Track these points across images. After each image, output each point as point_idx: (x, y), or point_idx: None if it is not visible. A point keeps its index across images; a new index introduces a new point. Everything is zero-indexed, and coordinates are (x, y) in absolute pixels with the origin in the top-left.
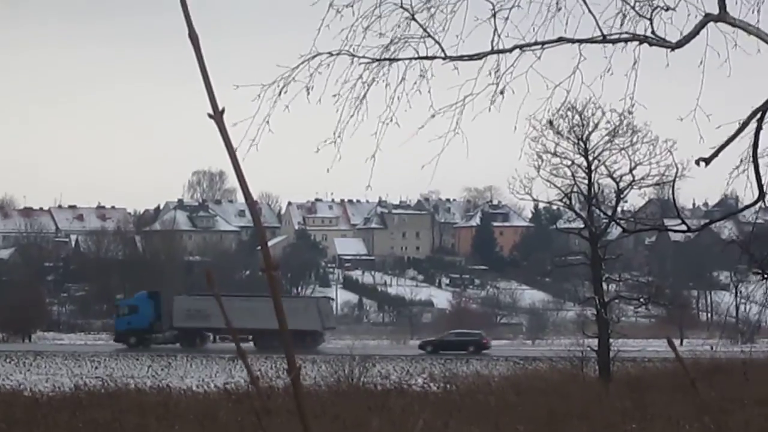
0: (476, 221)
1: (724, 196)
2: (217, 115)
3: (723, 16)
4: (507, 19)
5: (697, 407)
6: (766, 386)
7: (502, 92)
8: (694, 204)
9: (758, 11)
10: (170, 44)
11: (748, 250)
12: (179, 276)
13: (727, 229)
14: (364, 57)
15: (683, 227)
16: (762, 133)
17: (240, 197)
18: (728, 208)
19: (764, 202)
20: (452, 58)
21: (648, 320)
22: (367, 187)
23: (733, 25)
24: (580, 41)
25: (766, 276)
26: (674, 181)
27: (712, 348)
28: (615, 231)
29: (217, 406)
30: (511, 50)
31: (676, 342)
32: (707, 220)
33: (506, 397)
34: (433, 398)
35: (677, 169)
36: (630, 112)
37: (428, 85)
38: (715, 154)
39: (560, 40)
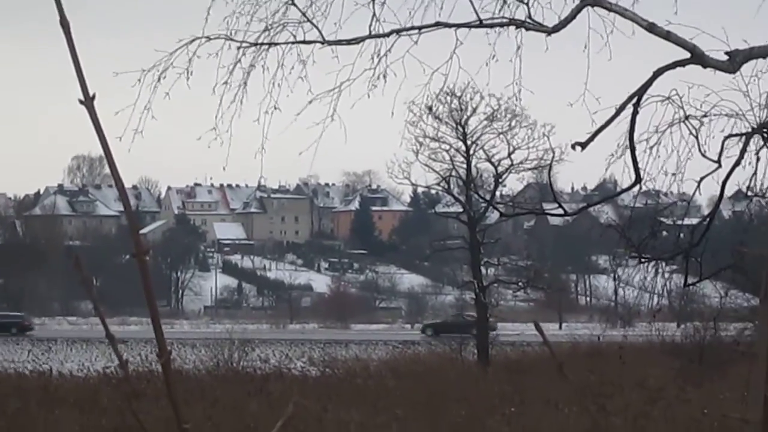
0: (355, 206)
1: (603, 180)
2: (88, 101)
3: (599, 1)
4: (384, 3)
5: (576, 391)
6: (644, 369)
7: (379, 77)
8: (573, 188)
9: None
10: (53, 27)
11: (626, 234)
12: (59, 260)
13: (605, 214)
14: (242, 41)
15: (560, 211)
16: (638, 117)
17: None
18: (607, 192)
19: (641, 186)
20: (330, 43)
21: (527, 304)
22: (260, 179)
23: (610, 10)
24: (458, 26)
25: (643, 260)
26: (550, 165)
27: (600, 335)
28: (494, 215)
29: (97, 389)
30: (388, 35)
31: (555, 326)
32: (584, 204)
33: (385, 380)
34: (312, 382)
35: (553, 153)
36: (515, 96)
37: (305, 70)
38: (591, 139)
39: (437, 24)
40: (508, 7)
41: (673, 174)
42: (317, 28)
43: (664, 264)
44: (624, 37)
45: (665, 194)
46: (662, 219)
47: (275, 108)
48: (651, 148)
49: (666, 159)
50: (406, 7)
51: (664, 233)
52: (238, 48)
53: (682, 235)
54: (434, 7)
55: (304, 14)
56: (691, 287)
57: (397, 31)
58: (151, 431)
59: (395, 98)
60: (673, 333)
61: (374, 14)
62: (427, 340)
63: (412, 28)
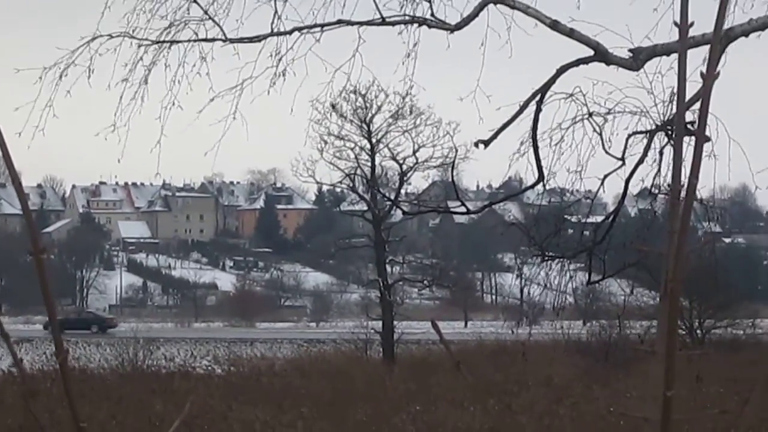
0: (260, 204)
1: (508, 178)
2: None
3: None
4: (287, 1)
5: (482, 389)
6: (550, 368)
7: (281, 75)
8: (478, 186)
9: None
10: None
11: (529, 232)
12: None
13: (510, 212)
14: (144, 39)
15: (463, 209)
16: (541, 115)
17: (26, 181)
18: (511, 190)
19: (545, 183)
20: (232, 41)
21: (432, 302)
22: (156, 175)
23: (513, 7)
24: (360, 23)
25: (547, 258)
26: (454, 163)
27: (513, 331)
28: (399, 213)
29: (2, 389)
30: (290, 32)
31: (461, 324)
32: (488, 202)
33: (290, 379)
34: (218, 380)
35: (457, 151)
36: (409, 94)
37: (207, 68)
38: (494, 136)
39: (339, 22)
40: (411, 4)
41: (577, 171)
42: (219, 25)
43: (568, 262)
44: (529, 34)
45: (570, 192)
46: (567, 217)
47: (174, 104)
48: (554, 145)
49: (569, 156)
50: (308, 5)
51: (569, 231)
52: (140, 46)
53: (586, 232)
54: (337, 5)
55: (205, 12)
56: (596, 285)
57: (299, 29)
58: (51, 430)
59: (297, 96)
60: (578, 331)
61: (276, 12)
62: (332, 339)
63: (315, 26)
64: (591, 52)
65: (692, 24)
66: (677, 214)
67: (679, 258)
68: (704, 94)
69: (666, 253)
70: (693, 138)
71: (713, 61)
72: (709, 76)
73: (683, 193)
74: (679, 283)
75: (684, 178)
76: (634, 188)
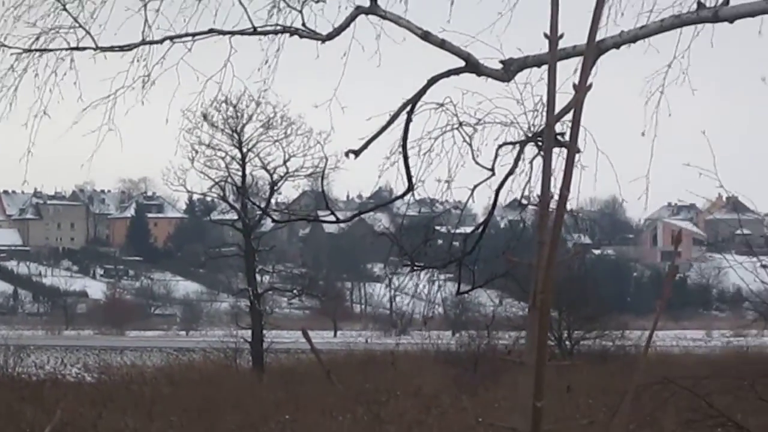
0: (131, 212)
1: (379, 188)
2: None
3: (374, 9)
4: (158, 10)
5: (351, 398)
6: (419, 377)
7: (152, 84)
8: (348, 196)
9: (407, 2)
10: None
11: (398, 242)
12: None
13: (380, 221)
14: (14, 47)
15: (333, 218)
16: (412, 125)
17: None
18: (382, 200)
19: (414, 193)
20: (103, 49)
21: (302, 312)
22: (24, 183)
23: (384, 17)
24: (231, 33)
25: (416, 268)
26: (323, 172)
27: (366, 340)
28: (269, 223)
29: None
30: (161, 41)
31: (330, 333)
32: (357, 212)
33: (160, 387)
34: (88, 388)
35: (326, 161)
36: (262, 100)
37: (77, 77)
38: (365, 146)
39: (211, 31)
40: (282, 13)
41: (446, 181)
42: (90, 34)
43: (437, 272)
44: (402, 44)
45: (440, 202)
46: (436, 227)
47: (44, 113)
48: (424, 155)
49: (439, 166)
50: (179, 13)
51: (439, 241)
52: (11, 54)
53: (456, 243)
54: (208, 14)
55: (75, 19)
56: (465, 296)
57: (171, 38)
58: None
59: (170, 105)
60: (448, 341)
61: (146, 21)
62: (202, 347)
63: (186, 35)
64: (462, 63)
65: (562, 36)
66: (547, 225)
67: (548, 269)
68: (576, 106)
69: (535, 264)
70: (563, 149)
71: (585, 72)
72: (582, 88)
73: (553, 204)
74: (549, 295)
75: (554, 189)
76: (504, 199)
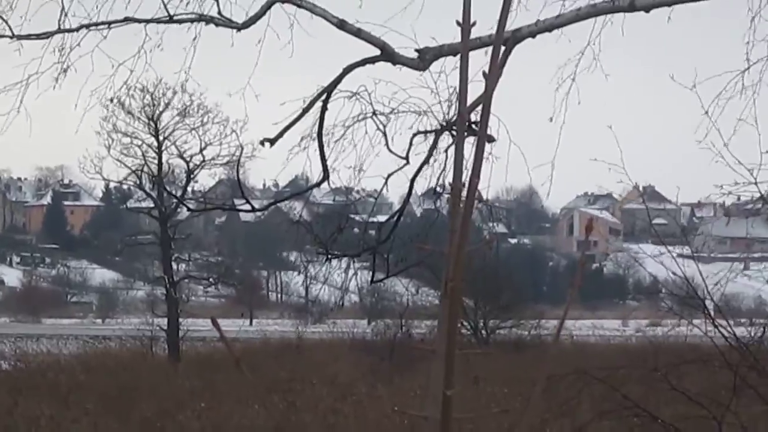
0: (47, 200)
1: (295, 176)
2: None
3: None
4: None
5: (266, 387)
6: (334, 366)
7: (65, 71)
8: (264, 184)
9: None
10: None
11: (313, 231)
12: None
13: (296, 210)
14: None
15: (248, 207)
16: (327, 114)
17: None
18: (298, 188)
19: (329, 182)
20: (20, 38)
21: (218, 300)
22: None
23: (300, 6)
24: (147, 21)
25: (331, 256)
26: (239, 161)
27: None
28: (185, 211)
29: None
30: (78, 29)
31: (246, 322)
32: (272, 200)
33: (76, 375)
34: (3, 376)
35: (242, 149)
36: (183, 89)
37: None
38: (281, 135)
39: (127, 20)
40: (199, 2)
41: (361, 170)
42: (6, 21)
43: (353, 260)
44: (317, 32)
45: (356, 191)
46: (352, 215)
47: None
48: (339, 143)
49: (354, 154)
50: (96, 1)
51: (355, 230)
52: None
53: (371, 231)
54: (123, 2)
55: None
56: (381, 284)
57: (87, 26)
58: None
59: (84, 93)
60: (364, 330)
61: (63, 9)
62: (118, 335)
63: (102, 23)
64: (378, 52)
65: (474, 24)
66: (458, 213)
67: (459, 257)
68: (486, 94)
69: (447, 252)
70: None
71: (495, 61)
72: (492, 77)
73: (464, 193)
74: (459, 283)
75: (467, 178)
76: (420, 188)
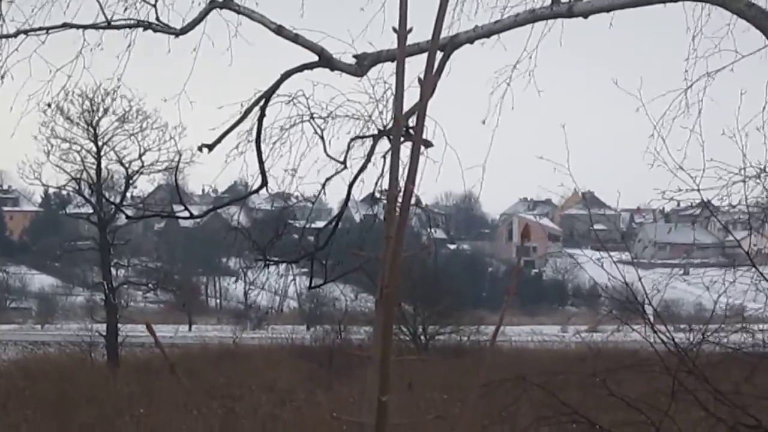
0: None
1: (234, 182)
2: None
3: (228, 3)
4: (11, 2)
5: (205, 392)
6: (274, 372)
7: (2, 76)
8: (203, 190)
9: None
10: None
11: (250, 236)
12: None
13: (234, 216)
14: None
15: (186, 214)
16: (265, 119)
17: None
18: (237, 194)
19: (268, 187)
20: None
21: (157, 306)
22: None
23: (238, 12)
24: (85, 27)
25: (269, 262)
26: (177, 167)
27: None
28: (124, 217)
29: None
30: (15, 35)
31: (185, 328)
32: (211, 207)
33: (15, 381)
34: None
35: (180, 155)
36: (116, 92)
37: None
38: (219, 140)
39: (65, 25)
40: (136, 8)
41: (295, 173)
42: None
43: (291, 266)
44: (256, 38)
45: (295, 196)
46: (292, 221)
47: None
48: (277, 148)
49: (293, 160)
50: (34, 6)
51: (293, 235)
52: None
53: (310, 237)
54: (61, 7)
55: None
56: (320, 290)
57: (25, 32)
58: None
59: (22, 98)
60: (303, 336)
61: (0, 14)
62: (57, 341)
63: (40, 29)
64: (316, 58)
65: (411, 30)
66: (394, 219)
67: (394, 264)
68: (422, 100)
69: (383, 258)
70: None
71: (430, 66)
72: (427, 83)
73: (400, 199)
74: (395, 289)
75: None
76: (359, 193)
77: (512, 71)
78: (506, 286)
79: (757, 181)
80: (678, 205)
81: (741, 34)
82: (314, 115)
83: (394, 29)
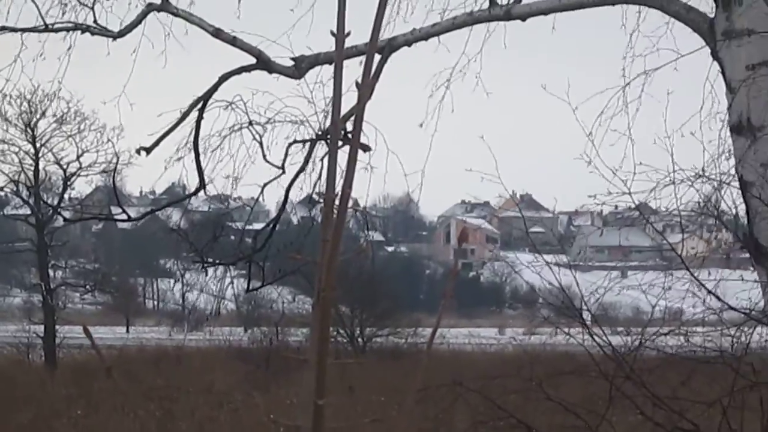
0: None
1: (172, 184)
2: None
3: (165, 6)
4: None
5: (143, 394)
6: (211, 374)
7: None
8: (141, 192)
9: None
10: None
11: (188, 238)
12: None
13: (172, 218)
14: None
15: (124, 216)
16: (204, 122)
17: None
18: (175, 196)
19: (206, 190)
20: None
21: (95, 307)
22: None
23: (176, 15)
24: (23, 30)
25: (206, 264)
26: (115, 169)
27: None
28: (62, 219)
29: None
30: None
31: (123, 329)
32: (150, 209)
33: None
34: None
35: (118, 157)
36: (56, 95)
37: None
38: (157, 143)
39: (3, 28)
40: (73, 10)
41: (236, 179)
42: None
43: (229, 268)
44: (195, 41)
45: (234, 199)
46: (230, 224)
47: None
48: (215, 152)
49: (230, 163)
50: None
51: (232, 238)
52: None
53: (249, 240)
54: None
55: None
56: (257, 292)
57: None
58: None
59: None
60: (240, 337)
61: None
62: None
63: None
64: (254, 61)
65: (349, 34)
66: (330, 222)
67: (330, 267)
68: (359, 104)
69: (319, 261)
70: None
71: (368, 70)
72: (365, 86)
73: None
74: (331, 292)
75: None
76: (296, 196)
77: (451, 74)
78: (442, 289)
79: (691, 184)
80: (616, 208)
81: (680, 32)
82: (253, 122)
83: (332, 33)
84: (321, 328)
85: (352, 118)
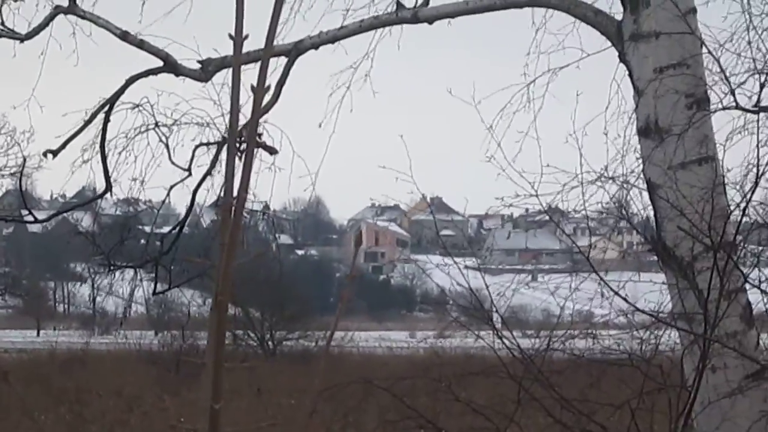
0: None
1: (82, 187)
2: None
3: (72, 8)
4: None
5: (53, 398)
6: (121, 377)
7: None
8: (52, 195)
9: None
10: None
11: (95, 241)
12: None
13: (81, 221)
14: None
15: (31, 218)
16: (110, 125)
17: None
18: (84, 199)
19: (113, 193)
20: None
21: (5, 311)
22: None
23: (83, 17)
24: None
25: (113, 267)
26: (22, 172)
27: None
28: None
29: None
30: None
31: (33, 333)
32: (56, 211)
33: None
34: None
35: (25, 160)
36: None
37: None
38: (63, 146)
39: None
40: None
41: (144, 181)
42: None
43: (137, 271)
44: (102, 43)
45: (144, 202)
46: (139, 227)
47: None
48: (122, 154)
49: (137, 166)
50: None
51: (141, 241)
52: None
53: (157, 242)
54: None
55: None
56: (167, 295)
57: None
58: None
59: None
60: (150, 341)
61: None
62: None
63: None
64: (161, 63)
65: (247, 37)
66: (228, 226)
67: (227, 271)
68: (254, 108)
69: (217, 265)
70: (261, 150)
71: (263, 74)
72: (259, 90)
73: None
74: (227, 296)
75: (250, 191)
76: (206, 199)
77: (352, 75)
78: (360, 292)
79: (598, 185)
80: (526, 211)
81: (586, 32)
82: (159, 123)
83: (230, 36)
84: (217, 332)
85: (259, 120)
